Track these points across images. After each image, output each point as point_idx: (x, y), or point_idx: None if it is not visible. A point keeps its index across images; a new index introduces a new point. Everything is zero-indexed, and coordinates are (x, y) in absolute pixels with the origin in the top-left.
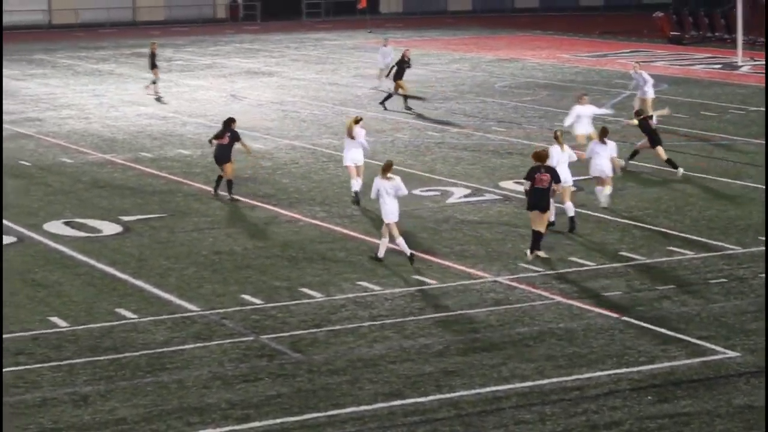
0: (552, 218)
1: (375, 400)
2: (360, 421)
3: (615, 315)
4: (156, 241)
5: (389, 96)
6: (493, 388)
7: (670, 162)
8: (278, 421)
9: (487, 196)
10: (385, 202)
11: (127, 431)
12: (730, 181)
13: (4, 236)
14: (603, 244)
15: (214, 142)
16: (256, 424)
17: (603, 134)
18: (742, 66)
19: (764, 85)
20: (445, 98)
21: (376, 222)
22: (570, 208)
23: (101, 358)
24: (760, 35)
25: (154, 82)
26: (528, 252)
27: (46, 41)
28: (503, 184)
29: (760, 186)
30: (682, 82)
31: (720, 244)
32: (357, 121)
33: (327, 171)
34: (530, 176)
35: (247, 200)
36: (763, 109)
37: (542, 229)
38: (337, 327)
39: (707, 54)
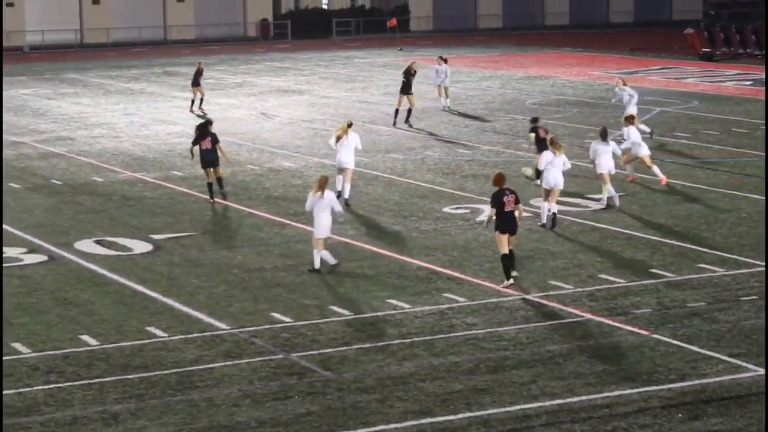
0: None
1: (405, 418)
2: None
3: (645, 332)
4: (186, 259)
5: (410, 112)
6: (523, 406)
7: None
8: None
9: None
10: (320, 217)
11: None
12: (760, 198)
13: (35, 255)
14: (633, 261)
15: (194, 149)
16: None
17: (604, 134)
18: None
19: None
20: (476, 116)
21: (406, 240)
22: (554, 207)
23: (131, 376)
24: None
25: (194, 101)
26: (506, 281)
27: (77, 60)
28: (533, 201)
29: None
30: (713, 99)
31: (751, 261)
32: (349, 126)
33: (357, 188)
34: (498, 201)
35: (277, 218)
36: None
37: (506, 250)
38: (367, 345)
39: (738, 70)
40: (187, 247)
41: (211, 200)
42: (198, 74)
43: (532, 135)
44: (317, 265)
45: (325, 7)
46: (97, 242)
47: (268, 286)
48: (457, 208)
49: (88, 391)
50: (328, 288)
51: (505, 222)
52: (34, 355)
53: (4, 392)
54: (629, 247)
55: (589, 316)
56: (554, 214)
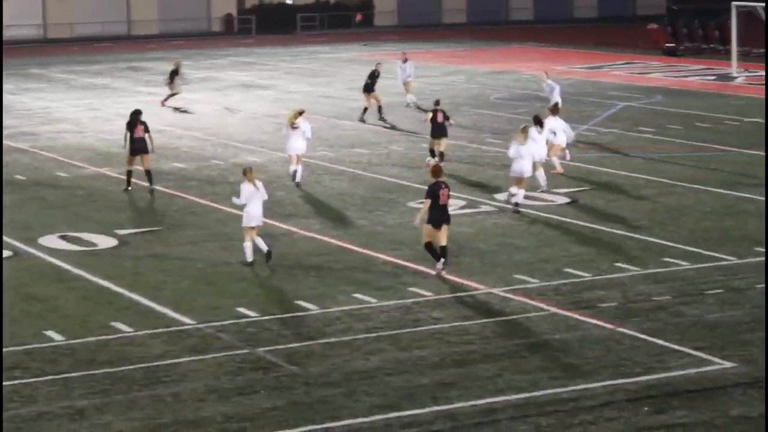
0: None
1: (371, 413)
2: None
3: (610, 326)
4: (151, 254)
5: (380, 109)
6: (489, 400)
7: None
8: None
9: (483, 208)
10: (252, 207)
11: None
12: (725, 192)
13: None
14: (598, 255)
15: (128, 135)
16: None
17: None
18: (737, 77)
19: (762, 96)
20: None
21: (371, 235)
22: (521, 195)
23: (97, 371)
24: (754, 46)
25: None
26: (439, 267)
27: (41, 55)
28: (498, 196)
29: (755, 197)
30: (677, 93)
31: (715, 254)
32: (300, 113)
33: (322, 183)
34: (433, 193)
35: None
36: (759, 119)
37: (429, 239)
38: (333, 339)
39: (702, 65)
40: (152, 242)
41: (128, 188)
42: (174, 73)
43: (429, 115)
44: (249, 258)
45: (289, 2)
46: (62, 237)
47: (233, 280)
48: (422, 203)
49: (53, 386)
50: (293, 282)
51: (439, 214)
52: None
53: None
54: (594, 241)
55: (554, 309)
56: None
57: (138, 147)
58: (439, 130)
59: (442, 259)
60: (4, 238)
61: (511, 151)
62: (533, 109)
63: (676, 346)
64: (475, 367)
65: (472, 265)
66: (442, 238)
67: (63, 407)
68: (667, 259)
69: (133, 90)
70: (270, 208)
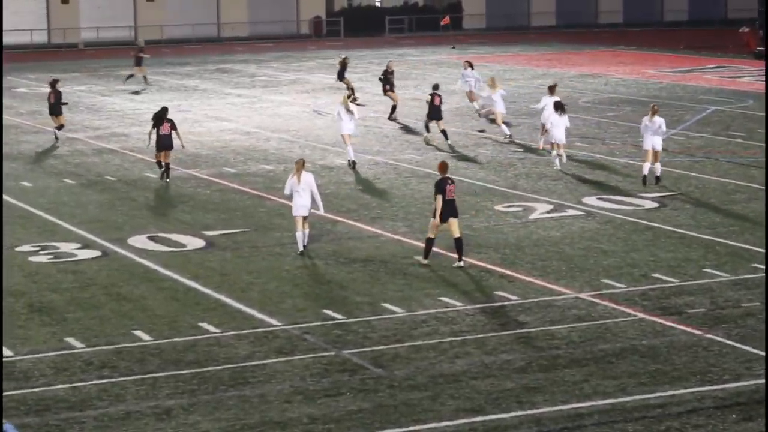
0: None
1: (456, 416)
2: None
3: (699, 332)
4: (238, 255)
5: (394, 108)
6: (575, 405)
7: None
8: None
9: (570, 212)
10: (298, 197)
11: None
12: None
13: (89, 250)
14: (687, 260)
15: (153, 134)
16: None
17: (557, 107)
18: None
19: None
20: (529, 113)
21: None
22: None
23: (184, 371)
24: None
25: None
26: (422, 259)
27: (132, 57)
28: (586, 200)
29: None
30: None
31: None
32: (349, 97)
33: (409, 186)
34: (442, 189)
35: (329, 215)
36: None
37: (434, 234)
38: (419, 342)
39: None
40: (240, 244)
41: (166, 179)
42: (344, 69)
43: (429, 98)
44: (300, 247)
45: (378, 4)
46: (151, 238)
47: (320, 282)
48: (509, 206)
49: (141, 386)
50: (380, 285)
51: (446, 208)
52: (88, 349)
53: (59, 386)
54: (683, 246)
55: (642, 315)
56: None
57: (164, 143)
58: (436, 113)
59: (427, 261)
60: (95, 238)
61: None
62: (622, 113)
63: (765, 353)
64: (561, 372)
65: (559, 269)
66: (455, 230)
67: (150, 407)
68: (757, 265)
69: (222, 92)
70: (356, 211)
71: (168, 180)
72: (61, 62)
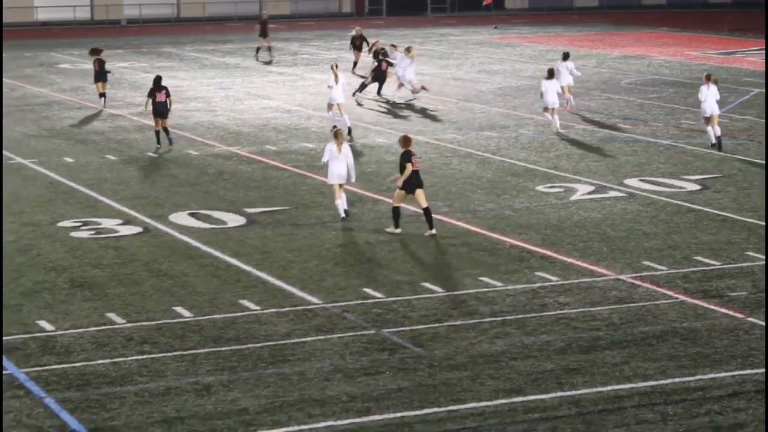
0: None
1: (496, 396)
2: (480, 417)
3: (740, 315)
4: (279, 233)
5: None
6: (615, 387)
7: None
8: (398, 414)
9: (612, 194)
10: (334, 166)
11: (248, 421)
12: None
13: (131, 226)
14: (729, 243)
15: (149, 102)
16: (377, 417)
17: (550, 74)
18: None
19: None
20: (571, 94)
21: (499, 218)
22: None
23: (224, 348)
24: None
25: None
26: (394, 228)
27: (174, 34)
28: (628, 181)
29: None
30: None
31: None
32: (336, 66)
33: (450, 166)
34: (408, 160)
35: (369, 194)
36: None
37: (400, 203)
38: (459, 322)
39: None
40: (281, 222)
41: (158, 145)
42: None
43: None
44: (341, 214)
45: None
46: (192, 215)
47: (360, 261)
48: (550, 187)
49: (181, 362)
50: (420, 264)
51: (415, 180)
52: (128, 325)
53: (100, 361)
54: (725, 229)
55: (683, 297)
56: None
57: (159, 110)
58: (380, 76)
59: (399, 230)
60: (136, 214)
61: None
62: (665, 95)
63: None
64: (601, 353)
65: (600, 250)
66: (422, 201)
67: (190, 383)
68: None
69: (263, 70)
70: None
71: (170, 139)
72: (104, 39)
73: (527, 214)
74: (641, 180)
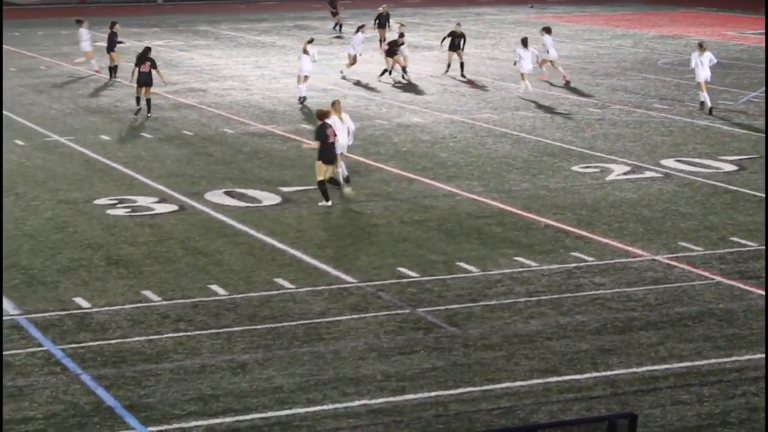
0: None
1: (531, 376)
2: (515, 397)
3: None
4: (314, 212)
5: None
6: (650, 368)
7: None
8: (433, 394)
9: (648, 174)
10: (340, 136)
11: (283, 399)
12: None
13: (166, 204)
14: (765, 224)
15: (136, 70)
16: (411, 396)
17: (524, 42)
18: None
19: None
20: (607, 74)
21: (534, 198)
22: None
23: (259, 326)
24: None
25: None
26: (324, 202)
27: (209, 13)
28: (664, 162)
29: None
30: None
31: None
32: (311, 41)
33: (485, 146)
34: (323, 135)
35: (405, 173)
36: None
37: (324, 177)
38: (494, 302)
39: None
40: (316, 200)
41: (138, 107)
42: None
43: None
44: (340, 180)
45: None
46: (227, 193)
47: (395, 240)
48: (586, 167)
49: (216, 340)
50: (455, 244)
51: (329, 153)
52: (164, 303)
53: (135, 338)
54: (761, 210)
55: (719, 278)
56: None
57: (143, 79)
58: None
59: (330, 203)
60: (172, 192)
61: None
62: None
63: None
64: (636, 334)
65: (635, 231)
66: (330, 173)
67: (225, 360)
68: None
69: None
70: (432, 169)
71: (150, 114)
72: (140, 17)
73: (563, 194)
74: (677, 160)
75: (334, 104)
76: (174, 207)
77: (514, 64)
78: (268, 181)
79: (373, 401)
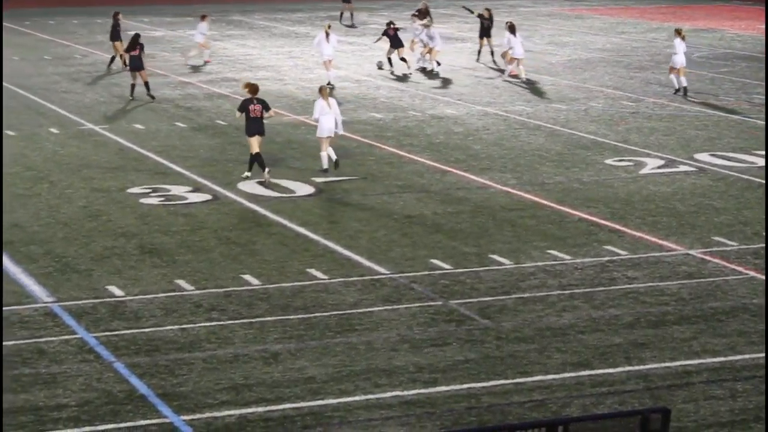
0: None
1: (563, 370)
2: (547, 390)
3: None
4: (347, 203)
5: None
6: (684, 363)
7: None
8: (465, 386)
9: (681, 168)
10: (324, 120)
11: (316, 390)
12: None
13: (200, 194)
14: None
15: (125, 55)
16: (443, 388)
17: (512, 29)
18: None
19: None
20: (641, 68)
21: (567, 191)
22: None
23: (292, 317)
24: None
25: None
26: (264, 172)
27: (243, 2)
28: (698, 156)
29: None
30: None
31: None
32: (330, 27)
33: (519, 138)
34: (244, 107)
35: (438, 165)
36: None
37: (258, 150)
38: (526, 295)
39: None
40: (349, 191)
41: (131, 97)
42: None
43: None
44: (325, 165)
45: None
46: (260, 183)
47: (428, 232)
48: (620, 161)
49: (249, 329)
50: (488, 236)
51: (253, 126)
52: (197, 292)
53: (168, 327)
54: None
55: (753, 273)
56: None
57: (134, 64)
58: (396, 42)
59: (268, 170)
60: (205, 181)
61: None
62: (737, 69)
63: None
64: (669, 328)
65: (669, 225)
66: (255, 147)
67: (258, 350)
68: None
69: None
70: (465, 161)
71: (152, 96)
72: (173, 6)
73: (596, 188)
74: (712, 155)
75: (321, 90)
76: (207, 196)
77: (503, 55)
78: (301, 171)
79: (405, 393)
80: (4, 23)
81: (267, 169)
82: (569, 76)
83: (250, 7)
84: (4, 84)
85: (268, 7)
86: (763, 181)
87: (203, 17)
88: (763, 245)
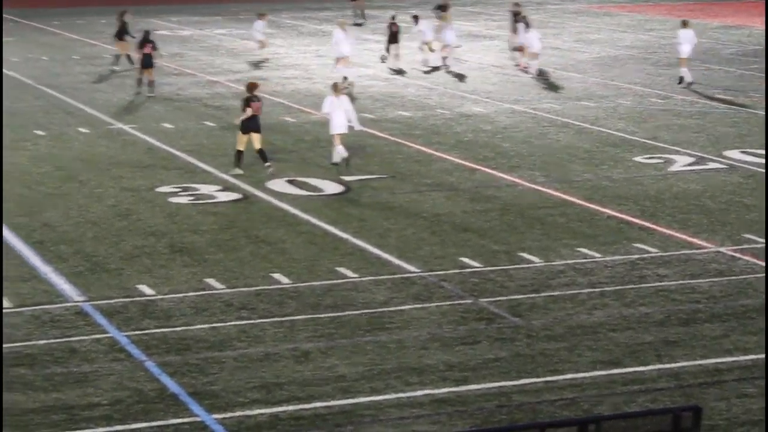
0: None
1: (594, 368)
2: (578, 388)
3: None
4: (376, 201)
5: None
6: (715, 360)
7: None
8: (496, 384)
9: (711, 165)
10: (336, 116)
11: (346, 388)
12: None
13: (229, 192)
14: None
15: (133, 54)
16: (474, 386)
17: (527, 23)
18: None
19: None
20: (670, 65)
21: (596, 189)
22: None
23: (322, 315)
24: None
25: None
26: (236, 169)
27: (271, 2)
28: (728, 153)
29: None
30: None
31: None
32: (343, 24)
33: (547, 136)
34: (247, 105)
35: (467, 163)
36: None
37: (243, 148)
38: (557, 293)
39: None
40: (378, 190)
41: (138, 91)
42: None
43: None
44: (336, 159)
45: None
46: (289, 182)
47: (457, 230)
48: (649, 158)
49: (279, 328)
50: (517, 234)
51: (253, 123)
52: (227, 291)
53: (199, 326)
54: None
55: None
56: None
57: (145, 61)
58: (393, 38)
59: (240, 171)
60: (235, 181)
61: None
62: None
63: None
64: (700, 326)
65: (699, 222)
66: (256, 143)
67: (289, 349)
68: None
69: (360, 38)
70: (494, 159)
71: (153, 94)
72: (202, 6)
73: (625, 185)
74: (742, 152)
75: (334, 86)
76: (237, 195)
77: (513, 49)
78: (330, 170)
79: (436, 391)
80: (32, 23)
81: (268, 163)
82: (597, 74)
83: (278, 6)
84: (33, 84)
85: (295, 5)
86: None
87: (261, 15)
88: None
